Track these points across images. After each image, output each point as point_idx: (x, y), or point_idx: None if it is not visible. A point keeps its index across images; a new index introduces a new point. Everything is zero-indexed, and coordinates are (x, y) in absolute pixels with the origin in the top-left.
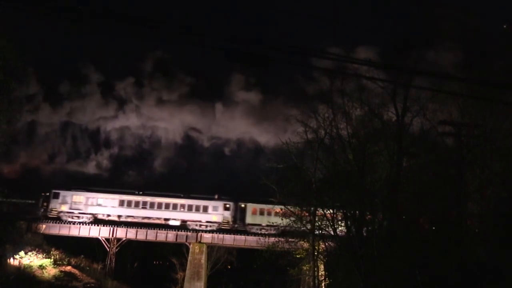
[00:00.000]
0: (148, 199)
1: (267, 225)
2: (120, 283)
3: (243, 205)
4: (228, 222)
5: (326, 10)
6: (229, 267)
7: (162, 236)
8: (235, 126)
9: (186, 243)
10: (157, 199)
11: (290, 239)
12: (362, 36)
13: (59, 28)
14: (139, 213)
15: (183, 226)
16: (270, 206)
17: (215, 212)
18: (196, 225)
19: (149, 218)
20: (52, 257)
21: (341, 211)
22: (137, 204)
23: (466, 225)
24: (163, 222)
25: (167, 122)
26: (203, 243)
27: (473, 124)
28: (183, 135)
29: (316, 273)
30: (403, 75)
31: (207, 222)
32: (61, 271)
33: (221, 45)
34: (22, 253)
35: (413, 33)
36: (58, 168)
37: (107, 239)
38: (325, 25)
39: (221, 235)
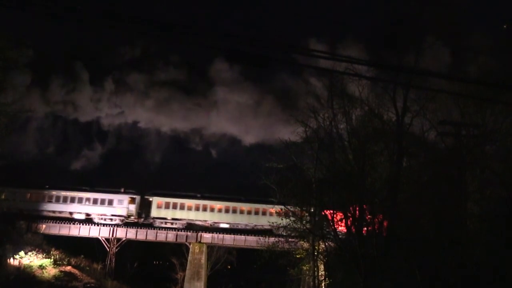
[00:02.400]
0: (54, 193)
1: (173, 219)
2: (120, 283)
3: (150, 199)
4: (132, 215)
5: (317, 5)
6: (229, 267)
7: (162, 236)
8: (229, 123)
9: (186, 243)
10: (63, 193)
11: (290, 239)
12: (354, 32)
13: (51, 23)
14: (44, 207)
15: (89, 219)
16: (177, 200)
17: (120, 206)
18: (101, 218)
19: (54, 212)
20: (52, 257)
21: (341, 211)
22: (43, 198)
23: (466, 225)
24: (68, 216)
25: (159, 120)
26: (203, 243)
27: (473, 124)
28: (175, 133)
29: (316, 273)
30: (403, 75)
31: (112, 215)
32: (61, 271)
33: (221, 45)
34: (22, 253)
35: (405, 28)
36: (47, 164)
37: (107, 239)
38: (318, 21)
39: (221, 235)
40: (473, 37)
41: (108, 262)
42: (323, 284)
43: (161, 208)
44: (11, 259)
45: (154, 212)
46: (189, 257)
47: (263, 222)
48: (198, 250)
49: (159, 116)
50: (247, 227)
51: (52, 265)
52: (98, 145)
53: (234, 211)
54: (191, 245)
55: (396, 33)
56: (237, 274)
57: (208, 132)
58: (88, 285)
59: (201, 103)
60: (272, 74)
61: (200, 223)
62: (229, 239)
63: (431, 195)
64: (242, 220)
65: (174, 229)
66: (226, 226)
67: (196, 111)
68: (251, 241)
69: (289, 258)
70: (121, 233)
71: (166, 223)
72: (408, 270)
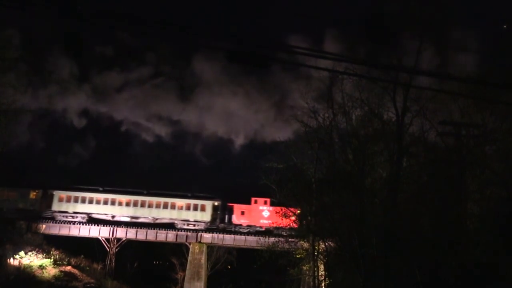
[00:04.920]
0: None
1: (74, 212)
2: (120, 283)
3: (53, 192)
4: (33, 209)
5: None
6: (229, 267)
7: (162, 236)
8: (222, 123)
9: (186, 243)
10: None
11: (290, 239)
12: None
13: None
14: None
15: None
16: (78, 193)
17: (22, 200)
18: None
19: None
20: (52, 257)
21: (341, 211)
22: None
23: (466, 225)
24: None
25: (150, 119)
26: (203, 243)
27: (473, 124)
28: (167, 134)
29: (316, 273)
30: (402, 75)
31: (15, 209)
32: (61, 271)
33: (221, 45)
34: (22, 253)
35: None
36: (33, 160)
37: (107, 239)
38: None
39: (221, 235)
40: (469, 37)
41: (108, 262)
42: (323, 284)
43: (62, 201)
44: (11, 259)
45: (55, 206)
46: (189, 257)
47: (164, 215)
48: (198, 250)
49: (151, 115)
50: (148, 221)
51: (52, 265)
52: (85, 144)
53: (135, 205)
54: (191, 245)
55: (389, 30)
56: (237, 274)
57: (200, 132)
58: (88, 285)
59: (194, 103)
60: (267, 72)
61: (101, 216)
62: (229, 239)
63: (431, 195)
64: (144, 214)
65: (174, 229)
66: (127, 219)
67: (189, 111)
68: (251, 241)
69: (289, 258)
70: (121, 233)
71: (67, 216)
72: (408, 270)
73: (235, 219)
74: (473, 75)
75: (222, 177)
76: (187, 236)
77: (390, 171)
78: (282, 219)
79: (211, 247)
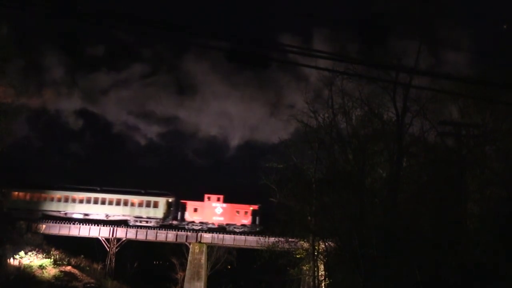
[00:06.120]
0: None
1: (28, 210)
2: (120, 283)
3: (7, 190)
4: None
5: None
6: (229, 267)
7: (162, 236)
8: (219, 124)
9: (186, 243)
10: None
11: (290, 239)
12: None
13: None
14: None
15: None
16: (33, 191)
17: None
18: None
19: None
20: (52, 257)
21: (341, 211)
22: None
23: (466, 225)
24: None
25: (146, 120)
26: (203, 243)
27: (473, 124)
28: (163, 135)
29: (316, 273)
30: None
31: None
32: (61, 271)
33: (221, 45)
34: (22, 253)
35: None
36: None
37: (107, 239)
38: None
39: (221, 235)
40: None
41: (108, 262)
42: (323, 284)
43: (16, 199)
44: (11, 259)
45: (9, 203)
46: (189, 257)
47: (117, 212)
48: (198, 250)
49: (148, 115)
50: (100, 218)
51: (52, 265)
52: (83, 144)
53: (88, 201)
54: (191, 245)
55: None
56: (237, 274)
57: (196, 133)
58: (88, 285)
59: (192, 103)
60: (265, 72)
61: (54, 213)
62: (229, 239)
63: (431, 195)
64: (96, 210)
65: (174, 229)
66: (80, 216)
67: (185, 110)
68: (251, 241)
69: (289, 258)
70: (121, 233)
71: (20, 214)
72: (408, 270)
73: (188, 216)
74: (473, 75)
75: (221, 177)
76: (187, 236)
77: (390, 171)
78: (235, 216)
79: (211, 247)
